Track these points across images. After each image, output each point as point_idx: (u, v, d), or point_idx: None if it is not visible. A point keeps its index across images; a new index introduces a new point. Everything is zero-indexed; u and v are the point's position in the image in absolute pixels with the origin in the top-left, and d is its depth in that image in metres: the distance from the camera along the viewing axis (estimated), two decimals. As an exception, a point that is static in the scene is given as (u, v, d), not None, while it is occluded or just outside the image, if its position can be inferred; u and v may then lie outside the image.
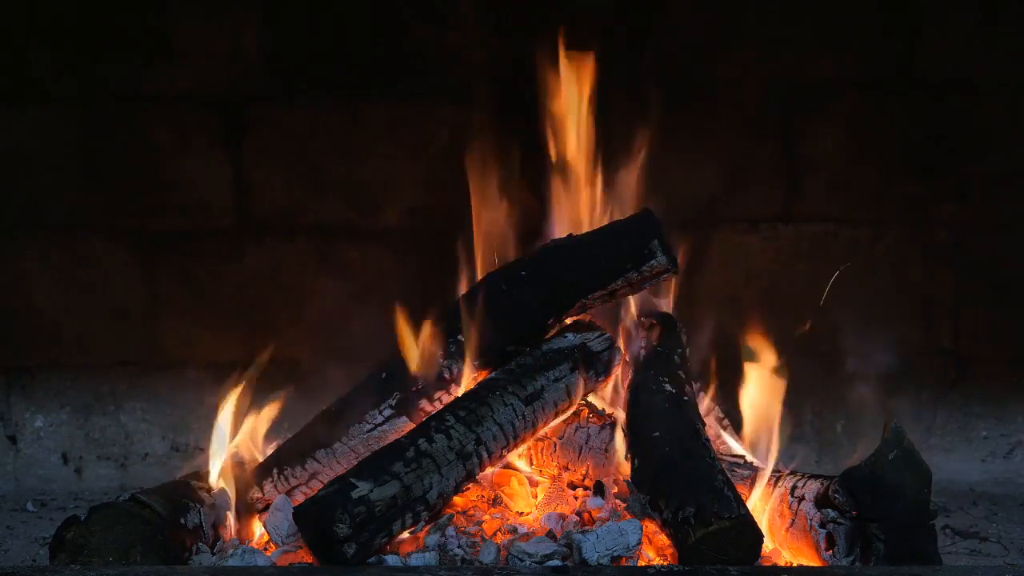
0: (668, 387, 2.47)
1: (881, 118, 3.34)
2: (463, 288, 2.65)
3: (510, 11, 3.24)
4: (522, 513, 2.44)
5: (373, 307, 3.26)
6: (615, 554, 2.14)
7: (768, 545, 2.28)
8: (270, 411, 2.64)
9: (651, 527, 2.24)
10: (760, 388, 2.58)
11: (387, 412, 2.46)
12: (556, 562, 2.14)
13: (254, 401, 2.62)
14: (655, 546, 2.25)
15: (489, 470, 2.41)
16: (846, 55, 3.32)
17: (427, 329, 2.49)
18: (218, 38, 3.29)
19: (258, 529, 2.45)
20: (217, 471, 2.46)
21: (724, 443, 2.64)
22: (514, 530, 2.32)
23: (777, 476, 2.39)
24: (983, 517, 2.98)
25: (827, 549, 2.17)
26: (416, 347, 2.48)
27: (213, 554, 2.30)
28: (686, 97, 3.17)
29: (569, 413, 2.52)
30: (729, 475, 2.23)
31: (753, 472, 2.42)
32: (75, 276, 3.34)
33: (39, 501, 3.14)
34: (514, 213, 2.73)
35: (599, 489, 2.46)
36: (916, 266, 3.38)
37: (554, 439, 2.54)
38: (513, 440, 2.35)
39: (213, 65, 3.30)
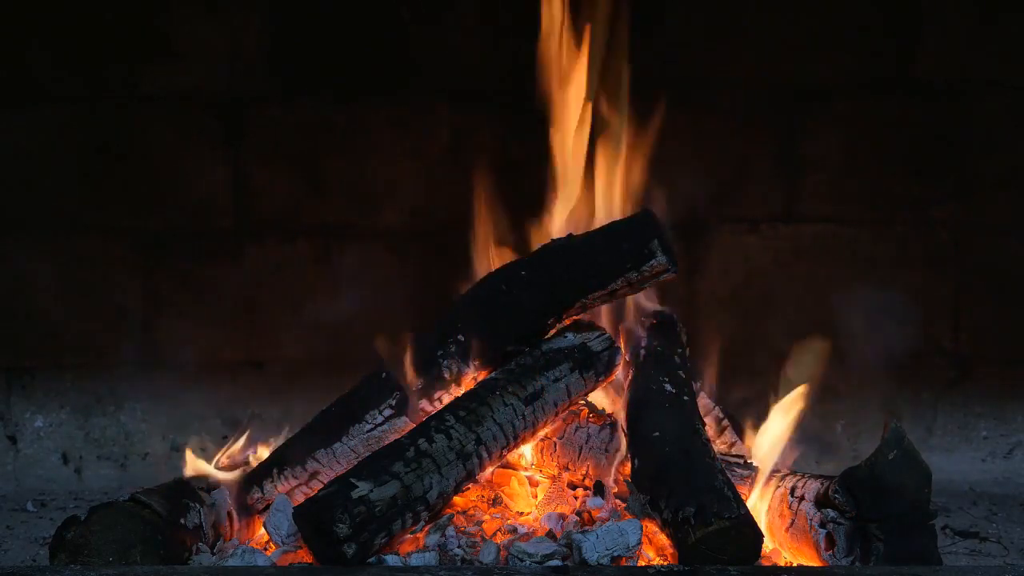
0: (668, 387, 2.46)
1: (881, 118, 3.34)
2: (463, 288, 2.65)
3: (509, 12, 3.24)
4: (522, 513, 2.44)
5: (373, 307, 3.27)
6: (615, 554, 2.14)
7: (768, 545, 2.28)
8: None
9: (651, 527, 2.24)
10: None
11: (387, 412, 2.46)
12: (556, 562, 2.14)
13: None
14: (655, 546, 2.25)
15: (489, 470, 2.41)
16: (846, 55, 3.32)
17: None
18: (218, 38, 3.29)
19: (258, 529, 2.45)
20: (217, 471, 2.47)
21: (724, 443, 2.64)
22: (514, 530, 2.31)
23: (777, 476, 2.39)
24: (983, 517, 2.98)
25: (827, 549, 2.16)
26: None
27: (213, 554, 2.30)
28: (686, 97, 3.17)
29: (568, 413, 2.52)
30: (729, 475, 2.23)
31: (753, 472, 2.42)
32: (75, 276, 3.34)
33: (39, 501, 3.14)
34: (514, 212, 2.73)
35: (599, 489, 2.46)
36: (916, 266, 3.38)
37: (554, 439, 2.54)
38: (513, 440, 2.35)
39: (213, 65, 3.30)
